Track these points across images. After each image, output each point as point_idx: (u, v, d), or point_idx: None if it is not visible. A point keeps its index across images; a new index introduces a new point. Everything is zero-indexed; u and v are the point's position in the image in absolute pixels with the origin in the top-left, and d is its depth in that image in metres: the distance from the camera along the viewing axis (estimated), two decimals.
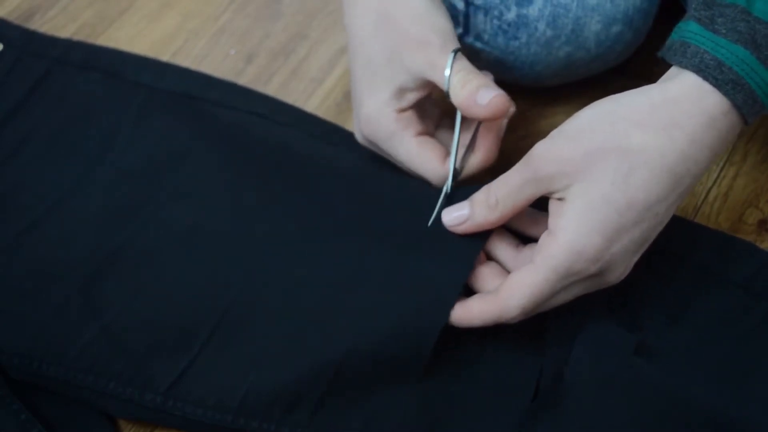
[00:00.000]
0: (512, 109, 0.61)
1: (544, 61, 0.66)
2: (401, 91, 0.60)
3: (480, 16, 0.65)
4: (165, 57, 0.77)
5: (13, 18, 0.79)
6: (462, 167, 0.60)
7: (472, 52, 0.68)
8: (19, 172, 0.68)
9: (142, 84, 0.72)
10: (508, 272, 0.56)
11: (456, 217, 0.56)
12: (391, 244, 0.59)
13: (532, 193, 0.53)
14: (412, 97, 0.60)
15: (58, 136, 0.69)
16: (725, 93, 0.50)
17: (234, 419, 0.56)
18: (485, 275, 0.56)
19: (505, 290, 0.53)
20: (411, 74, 0.59)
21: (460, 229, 0.56)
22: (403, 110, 0.60)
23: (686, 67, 0.51)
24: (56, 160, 0.68)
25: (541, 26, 0.64)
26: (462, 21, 0.66)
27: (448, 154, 0.61)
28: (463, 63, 0.58)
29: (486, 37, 0.66)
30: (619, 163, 0.50)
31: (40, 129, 0.70)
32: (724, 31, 0.50)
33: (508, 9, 0.64)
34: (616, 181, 0.50)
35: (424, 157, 0.60)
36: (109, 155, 0.68)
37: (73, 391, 0.58)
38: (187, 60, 0.77)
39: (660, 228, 0.53)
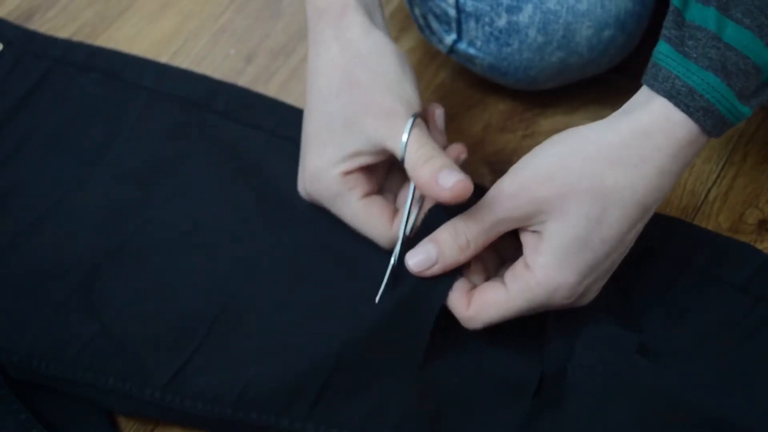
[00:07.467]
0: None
1: (538, 66, 0.65)
2: (353, 155, 0.57)
3: (471, 23, 0.65)
4: (165, 57, 0.77)
5: (13, 18, 0.79)
6: (413, 228, 0.58)
7: (467, 57, 0.68)
8: (19, 172, 0.68)
9: (143, 86, 0.71)
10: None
11: (423, 260, 0.55)
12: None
13: (504, 230, 0.54)
14: (363, 161, 0.58)
15: (58, 136, 0.69)
16: (696, 120, 0.50)
17: (233, 412, 0.56)
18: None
19: (475, 306, 0.55)
20: (369, 141, 0.57)
21: (429, 272, 0.55)
22: (349, 172, 0.58)
23: (657, 91, 0.50)
24: (56, 160, 0.68)
25: (532, 32, 0.63)
26: (455, 27, 0.66)
27: (395, 214, 0.59)
28: (422, 133, 0.56)
29: (479, 43, 0.66)
30: (593, 204, 0.51)
31: (40, 129, 0.70)
32: (694, 56, 0.50)
33: (499, 16, 0.64)
34: (591, 222, 0.51)
35: (370, 219, 0.59)
36: (108, 156, 0.68)
37: (72, 389, 0.59)
38: (187, 60, 0.77)
39: (626, 252, 0.54)
